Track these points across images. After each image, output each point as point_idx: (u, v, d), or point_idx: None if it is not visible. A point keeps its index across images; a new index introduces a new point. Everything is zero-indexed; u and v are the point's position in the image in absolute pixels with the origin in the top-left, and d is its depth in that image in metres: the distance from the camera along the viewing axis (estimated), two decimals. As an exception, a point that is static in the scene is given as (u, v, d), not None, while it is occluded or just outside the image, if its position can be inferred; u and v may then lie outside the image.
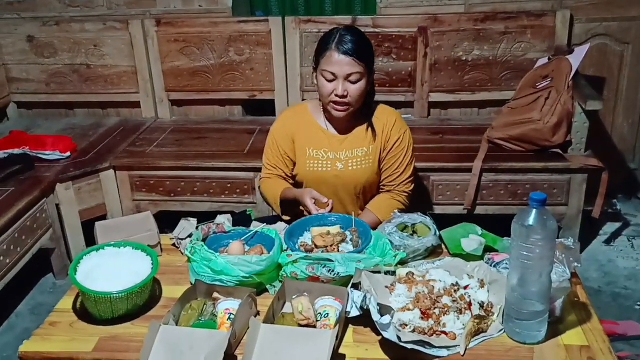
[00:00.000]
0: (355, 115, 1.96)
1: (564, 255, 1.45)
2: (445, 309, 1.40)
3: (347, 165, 1.97)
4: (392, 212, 1.89)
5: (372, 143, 1.97)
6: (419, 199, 2.74)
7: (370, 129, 1.97)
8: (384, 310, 1.36)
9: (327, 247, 1.63)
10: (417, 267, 1.59)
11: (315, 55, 1.90)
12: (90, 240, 1.83)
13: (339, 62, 1.81)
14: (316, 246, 1.65)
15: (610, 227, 3.06)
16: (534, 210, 1.27)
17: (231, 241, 1.67)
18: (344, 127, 1.98)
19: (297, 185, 2.08)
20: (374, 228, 1.76)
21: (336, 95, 1.84)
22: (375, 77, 3.13)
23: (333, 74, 1.83)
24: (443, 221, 1.82)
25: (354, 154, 1.97)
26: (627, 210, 3.20)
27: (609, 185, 2.62)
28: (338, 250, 1.62)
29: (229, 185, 2.82)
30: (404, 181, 2.01)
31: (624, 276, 2.73)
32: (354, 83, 1.84)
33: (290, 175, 2.04)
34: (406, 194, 2.03)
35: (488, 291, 1.48)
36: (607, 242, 2.97)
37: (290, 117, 2.05)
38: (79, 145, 3.01)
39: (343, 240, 1.67)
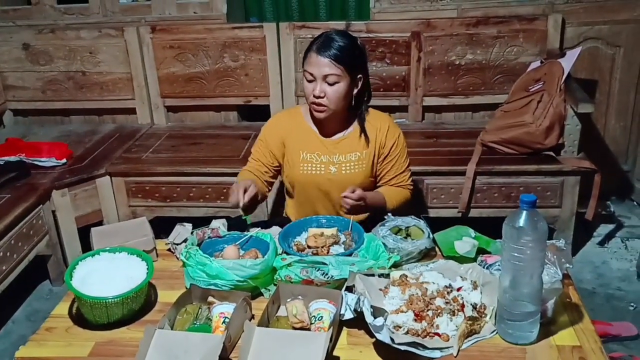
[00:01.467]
0: (345, 119, 1.99)
1: (555, 257, 1.46)
2: (439, 311, 1.42)
3: (340, 169, 1.99)
4: (399, 195, 2.04)
5: (366, 148, 2.00)
6: (413, 202, 2.76)
7: (363, 134, 1.99)
8: (377, 312, 1.37)
9: (318, 247, 1.66)
10: (410, 269, 1.60)
11: (302, 58, 1.94)
12: (87, 247, 1.84)
13: (317, 63, 1.85)
14: (308, 246, 1.67)
15: (603, 229, 3.07)
16: (525, 212, 1.29)
17: (226, 246, 1.68)
18: (333, 130, 2.01)
19: (289, 189, 2.09)
20: (380, 203, 1.93)
21: (313, 96, 1.88)
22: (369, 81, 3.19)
23: (312, 74, 1.87)
24: (437, 224, 1.83)
25: (347, 158, 1.99)
26: (621, 211, 3.22)
27: (602, 187, 2.63)
28: (328, 252, 1.64)
29: (224, 191, 2.83)
30: (405, 179, 2.07)
31: (618, 277, 2.74)
32: (331, 85, 1.86)
33: (270, 172, 2.05)
34: (409, 188, 2.09)
35: (481, 293, 1.49)
36: (601, 243, 2.99)
37: (283, 119, 2.07)
38: (75, 152, 3.01)
39: (336, 243, 1.69)
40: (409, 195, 2.09)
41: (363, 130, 1.99)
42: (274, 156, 2.04)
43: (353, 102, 1.97)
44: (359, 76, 1.93)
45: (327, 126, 2.00)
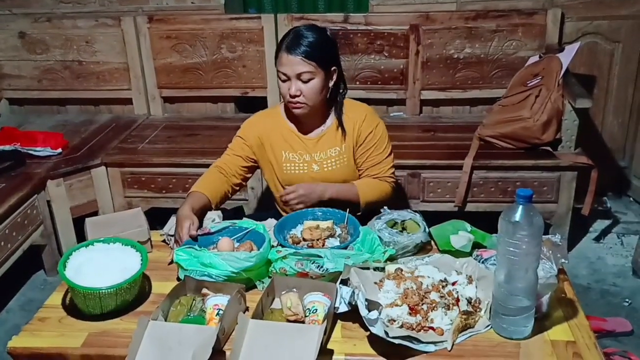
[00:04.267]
0: (323, 113, 1.97)
1: (550, 252, 1.46)
2: (433, 305, 1.41)
3: (322, 166, 1.97)
4: (377, 189, 1.98)
5: (344, 142, 1.97)
6: (409, 196, 2.76)
7: (340, 127, 1.96)
8: (371, 305, 1.36)
9: (313, 240, 1.65)
10: (406, 263, 1.60)
11: (274, 57, 1.91)
12: (82, 237, 1.84)
13: (289, 62, 1.82)
14: (304, 239, 1.67)
15: (600, 225, 3.07)
16: (520, 207, 1.29)
17: (220, 238, 1.68)
18: (312, 126, 1.98)
19: (275, 189, 2.06)
20: (350, 197, 1.90)
21: (290, 95, 1.85)
22: (367, 74, 3.20)
23: (285, 74, 1.84)
24: (434, 218, 1.82)
25: (328, 155, 1.97)
26: (617, 207, 3.22)
27: (599, 183, 2.63)
28: (323, 245, 1.64)
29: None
30: (384, 170, 2.01)
31: (613, 273, 2.75)
32: (305, 82, 1.84)
33: (246, 167, 2.01)
34: (390, 180, 2.03)
35: (476, 287, 1.49)
36: (597, 239, 2.99)
37: (263, 119, 2.03)
38: (71, 142, 3.00)
39: (331, 235, 1.69)
40: (389, 189, 2.02)
41: (340, 123, 1.96)
42: (253, 152, 2.00)
43: (329, 95, 1.94)
44: (332, 68, 1.90)
45: (306, 123, 1.97)
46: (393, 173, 2.05)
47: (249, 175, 2.05)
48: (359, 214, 1.89)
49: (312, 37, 1.84)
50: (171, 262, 1.66)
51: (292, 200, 1.88)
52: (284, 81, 1.86)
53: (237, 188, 2.03)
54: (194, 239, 1.67)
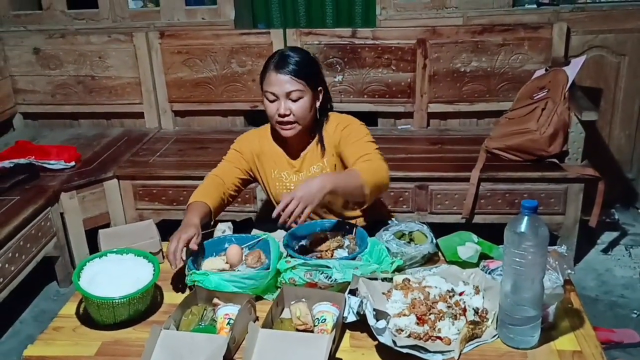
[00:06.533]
0: (308, 134, 1.93)
1: (557, 262, 1.47)
2: (441, 315, 1.43)
3: None
4: (373, 168, 1.78)
5: (325, 156, 1.94)
6: (417, 207, 2.78)
7: (320, 144, 1.93)
8: (379, 315, 1.38)
9: (322, 251, 1.68)
10: (413, 273, 1.61)
11: (260, 79, 1.89)
12: (94, 249, 1.86)
13: (278, 82, 1.81)
14: (312, 250, 1.69)
15: (607, 237, 3.08)
16: (526, 218, 1.30)
17: (228, 245, 1.70)
18: (298, 150, 1.96)
19: (270, 203, 2.06)
20: (353, 183, 1.70)
21: (279, 115, 1.83)
22: (375, 88, 3.24)
23: (273, 94, 1.82)
24: (441, 230, 1.84)
25: (312, 172, 1.94)
26: (625, 219, 3.23)
27: (607, 195, 2.64)
28: (332, 256, 1.67)
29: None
30: (371, 151, 1.85)
31: (621, 285, 2.75)
32: (295, 101, 1.82)
33: (241, 178, 1.98)
34: (380, 156, 1.85)
35: (483, 297, 1.50)
36: (605, 251, 2.99)
37: (256, 137, 2.01)
38: (83, 155, 3.05)
39: (340, 246, 1.71)
40: (382, 163, 1.82)
41: (321, 139, 1.93)
42: (249, 167, 1.99)
43: (318, 116, 1.92)
44: (319, 88, 1.89)
45: (292, 146, 1.95)
46: (379, 156, 1.85)
47: (242, 188, 2.02)
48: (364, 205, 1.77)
49: (298, 57, 1.84)
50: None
51: (294, 207, 1.61)
52: (272, 101, 1.84)
53: (231, 200, 1.99)
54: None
